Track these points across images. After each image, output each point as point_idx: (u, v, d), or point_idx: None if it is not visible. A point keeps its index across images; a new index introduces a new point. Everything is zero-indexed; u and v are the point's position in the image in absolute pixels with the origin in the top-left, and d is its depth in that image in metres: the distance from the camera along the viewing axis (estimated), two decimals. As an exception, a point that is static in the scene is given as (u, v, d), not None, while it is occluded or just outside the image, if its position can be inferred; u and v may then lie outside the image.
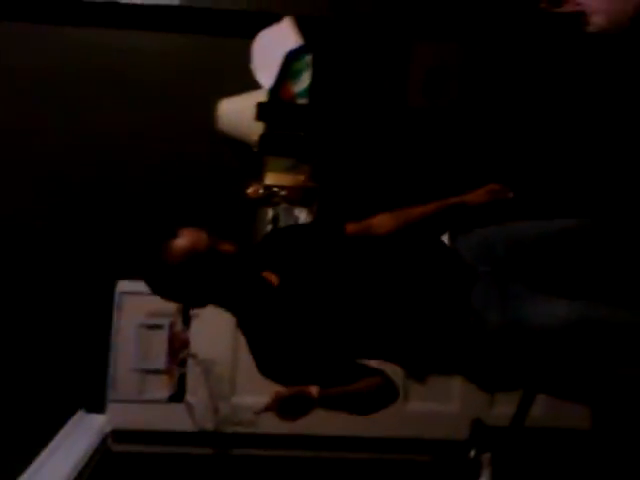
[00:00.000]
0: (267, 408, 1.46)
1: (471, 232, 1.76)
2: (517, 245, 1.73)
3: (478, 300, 1.62)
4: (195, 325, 2.86)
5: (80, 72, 2.85)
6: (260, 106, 2.36)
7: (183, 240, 1.60)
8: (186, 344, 2.84)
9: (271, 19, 2.55)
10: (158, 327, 2.86)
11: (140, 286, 2.78)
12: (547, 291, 1.63)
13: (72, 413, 2.87)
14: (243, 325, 1.71)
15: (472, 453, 2.30)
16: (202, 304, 1.73)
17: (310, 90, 2.29)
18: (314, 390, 1.48)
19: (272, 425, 2.76)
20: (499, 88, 2.21)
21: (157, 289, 1.65)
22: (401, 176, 2.48)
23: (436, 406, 2.84)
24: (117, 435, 2.86)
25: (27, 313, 2.95)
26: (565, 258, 1.70)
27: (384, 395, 1.70)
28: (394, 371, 1.75)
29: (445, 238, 1.77)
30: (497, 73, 2.19)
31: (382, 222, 1.83)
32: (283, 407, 1.44)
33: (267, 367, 1.65)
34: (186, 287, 1.62)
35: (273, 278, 1.67)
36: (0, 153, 2.91)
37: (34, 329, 2.95)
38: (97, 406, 2.87)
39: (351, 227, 1.81)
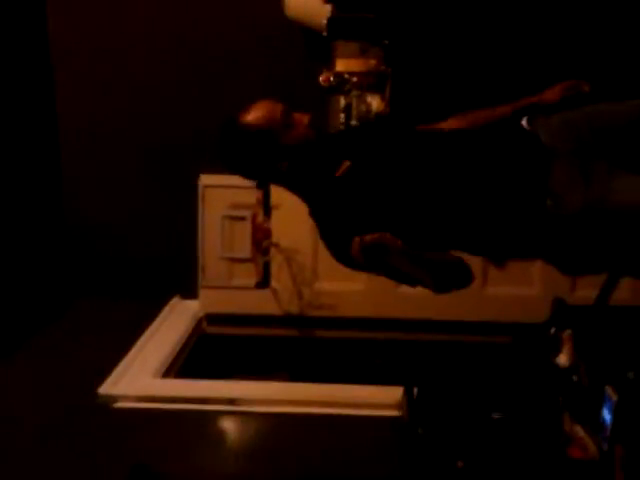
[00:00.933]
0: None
1: (552, 115, 1.68)
2: (605, 125, 1.63)
3: (558, 181, 1.54)
4: (276, 216, 2.95)
5: None
6: (327, -13, 2.27)
7: (258, 107, 1.60)
8: (268, 234, 2.94)
9: None
10: (241, 218, 2.97)
11: (222, 179, 2.95)
12: (634, 172, 1.55)
13: (169, 299, 3.12)
14: (314, 211, 1.71)
15: (552, 330, 2.30)
16: (273, 176, 1.70)
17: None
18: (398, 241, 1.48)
19: (352, 308, 2.93)
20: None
21: (228, 158, 1.64)
22: (475, 56, 2.35)
23: (516, 290, 2.84)
24: (210, 319, 3.08)
25: (125, 213, 3.14)
26: None
27: (458, 273, 1.62)
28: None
29: (524, 122, 1.69)
30: None
31: (452, 125, 1.78)
32: (366, 251, 1.44)
33: (340, 252, 1.63)
34: (258, 155, 1.60)
35: (345, 163, 1.65)
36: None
37: (131, 226, 3.15)
38: (191, 293, 3.08)
39: (421, 128, 1.76)
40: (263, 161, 1.63)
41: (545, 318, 2.55)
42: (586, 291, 2.54)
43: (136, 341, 2.77)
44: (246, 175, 1.71)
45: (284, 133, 1.60)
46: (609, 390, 1.61)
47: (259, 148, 1.60)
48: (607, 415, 1.63)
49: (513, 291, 2.85)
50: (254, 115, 1.60)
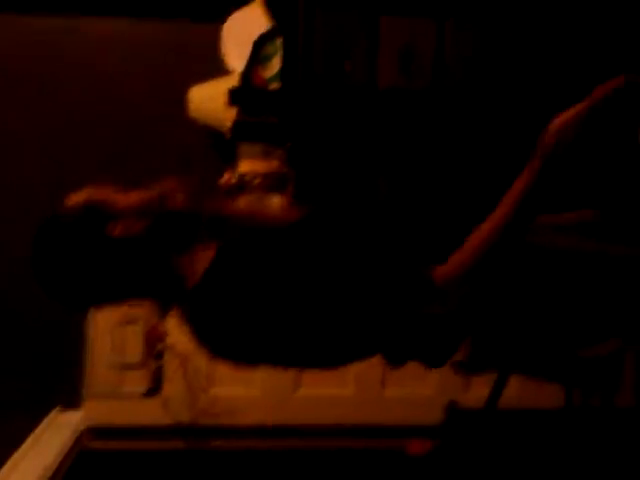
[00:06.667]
0: None
1: None
2: None
3: None
4: (171, 317, 2.83)
5: (43, 62, 2.81)
6: (232, 92, 2.35)
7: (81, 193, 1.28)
8: (162, 337, 2.81)
9: (241, 2, 2.54)
10: (133, 320, 2.82)
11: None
12: None
13: (49, 411, 2.83)
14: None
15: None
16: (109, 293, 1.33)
17: (281, 74, 2.28)
18: None
19: (250, 415, 2.81)
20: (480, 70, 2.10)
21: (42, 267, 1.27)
22: (377, 159, 2.48)
23: (413, 391, 2.85)
24: (94, 432, 2.81)
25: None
26: None
27: None
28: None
29: None
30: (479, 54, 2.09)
31: None
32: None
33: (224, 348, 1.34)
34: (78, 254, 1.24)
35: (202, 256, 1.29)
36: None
37: (10, 326, 2.89)
38: (73, 402, 2.83)
39: None
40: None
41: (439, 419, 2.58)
42: (479, 389, 2.61)
43: (4, 463, 2.46)
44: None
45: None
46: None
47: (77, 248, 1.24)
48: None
49: (409, 392, 2.87)
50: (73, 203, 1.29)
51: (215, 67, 2.58)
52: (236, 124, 2.36)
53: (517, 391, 2.73)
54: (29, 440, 2.65)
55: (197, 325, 1.32)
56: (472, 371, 2.76)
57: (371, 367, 2.82)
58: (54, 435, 2.74)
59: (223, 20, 2.54)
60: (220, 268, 1.26)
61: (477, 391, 2.67)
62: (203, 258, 1.28)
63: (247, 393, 2.85)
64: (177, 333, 2.77)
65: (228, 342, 1.30)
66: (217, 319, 1.27)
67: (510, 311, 1.46)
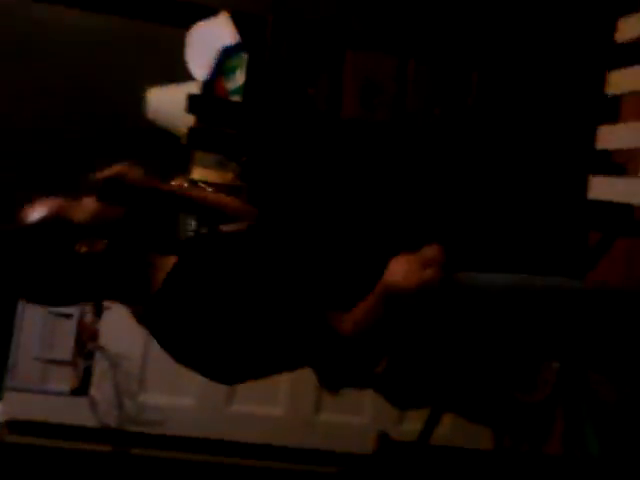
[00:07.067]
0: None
1: None
2: None
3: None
4: (107, 316, 2.75)
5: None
6: (191, 98, 2.29)
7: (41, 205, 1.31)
8: (95, 336, 2.74)
9: (207, 12, 2.47)
10: (67, 316, 2.74)
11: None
12: None
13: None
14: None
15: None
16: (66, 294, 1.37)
17: (244, 88, 2.23)
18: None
19: (180, 427, 2.75)
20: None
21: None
22: (330, 183, 2.45)
23: (347, 418, 2.83)
24: (12, 425, 2.72)
25: None
26: None
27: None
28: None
29: None
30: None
31: None
32: None
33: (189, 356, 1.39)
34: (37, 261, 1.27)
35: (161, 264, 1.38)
36: None
37: None
38: (-6, 394, 2.73)
39: None
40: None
41: (371, 449, 2.56)
42: (412, 423, 2.60)
43: None
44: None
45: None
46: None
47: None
48: None
49: (343, 419, 2.84)
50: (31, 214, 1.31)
51: (177, 71, 2.51)
52: (193, 131, 2.30)
53: (450, 429, 2.75)
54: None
55: (155, 328, 1.39)
56: (404, 407, 2.75)
57: (306, 390, 2.83)
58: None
59: (188, 27, 2.48)
60: (177, 276, 1.35)
61: (410, 425, 2.67)
62: (165, 266, 1.37)
63: (178, 403, 2.78)
64: (111, 333, 2.75)
65: (183, 345, 1.36)
66: (173, 323, 1.34)
67: (441, 351, 1.49)
